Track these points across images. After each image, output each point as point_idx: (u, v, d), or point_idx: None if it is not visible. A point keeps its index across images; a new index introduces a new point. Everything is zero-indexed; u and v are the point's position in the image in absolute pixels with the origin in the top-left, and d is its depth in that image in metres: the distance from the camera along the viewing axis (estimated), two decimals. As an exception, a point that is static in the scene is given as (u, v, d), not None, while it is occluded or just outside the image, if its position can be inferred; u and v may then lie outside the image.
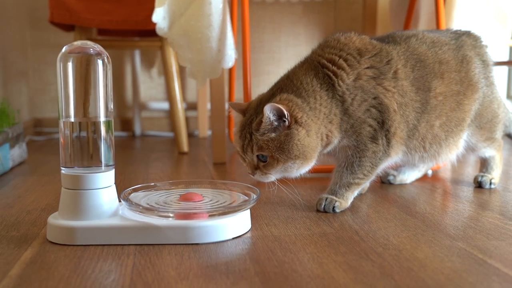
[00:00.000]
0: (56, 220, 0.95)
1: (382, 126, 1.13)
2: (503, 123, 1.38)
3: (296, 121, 1.06)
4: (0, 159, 1.54)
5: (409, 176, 1.45)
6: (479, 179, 1.38)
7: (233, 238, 0.96)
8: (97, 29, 2.34)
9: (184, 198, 1.04)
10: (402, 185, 1.42)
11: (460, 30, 1.35)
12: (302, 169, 1.09)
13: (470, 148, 1.34)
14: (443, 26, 1.63)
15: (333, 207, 1.13)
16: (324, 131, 1.10)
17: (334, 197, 1.14)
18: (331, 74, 1.11)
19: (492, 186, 1.37)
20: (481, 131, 1.31)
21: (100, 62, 0.96)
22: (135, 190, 1.09)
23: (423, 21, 1.97)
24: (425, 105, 1.18)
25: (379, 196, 1.29)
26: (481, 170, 1.41)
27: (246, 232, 0.99)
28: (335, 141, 1.13)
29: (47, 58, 2.63)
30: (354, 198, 1.19)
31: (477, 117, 1.29)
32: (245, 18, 1.62)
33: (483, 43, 1.34)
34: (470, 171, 1.62)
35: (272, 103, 1.03)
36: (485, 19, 1.74)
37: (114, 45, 2.23)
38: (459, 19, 1.67)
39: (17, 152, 1.72)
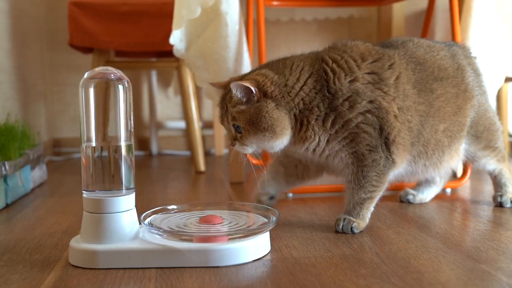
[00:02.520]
0: (78, 243, 0.96)
1: (381, 133, 1.12)
2: (501, 131, 1.36)
3: (265, 95, 1.09)
4: (22, 181, 1.57)
5: (428, 194, 1.44)
6: (499, 199, 1.35)
7: (253, 261, 0.96)
8: (115, 50, 2.37)
9: (204, 220, 1.04)
10: (421, 204, 1.41)
11: (449, 42, 1.37)
12: (273, 143, 1.10)
13: (470, 158, 1.32)
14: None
15: (351, 228, 1.13)
16: (299, 115, 1.10)
17: (352, 218, 1.14)
18: (329, 70, 1.12)
19: None
20: (478, 140, 1.30)
21: (121, 87, 0.98)
22: (155, 213, 1.09)
23: (439, 38, 1.97)
24: (429, 107, 1.18)
25: (398, 216, 1.29)
26: (496, 190, 1.38)
27: (266, 254, 0.99)
28: (317, 138, 1.12)
29: (65, 80, 2.67)
30: (374, 219, 1.18)
31: (474, 125, 1.28)
32: (261, 38, 1.63)
33: (472, 54, 1.36)
34: (490, 189, 1.60)
35: (237, 82, 1.07)
36: (502, 36, 1.74)
37: (132, 66, 2.26)
38: (475, 36, 1.67)
39: (38, 174, 1.74)
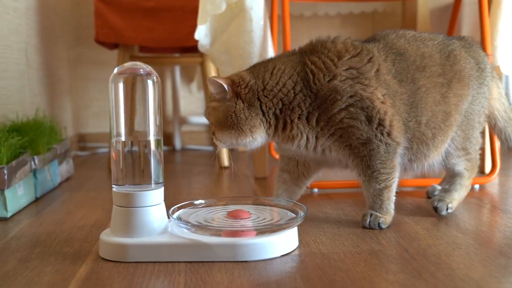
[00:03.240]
0: (108, 237, 0.98)
1: (370, 124, 1.11)
2: (478, 141, 1.27)
3: (238, 96, 1.12)
4: (50, 175, 1.59)
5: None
6: (435, 204, 1.23)
7: (282, 256, 0.96)
8: (139, 46, 2.39)
9: (232, 215, 1.05)
10: (449, 200, 1.40)
11: (455, 36, 1.32)
12: (241, 140, 1.13)
13: (445, 155, 1.24)
14: (488, 38, 1.60)
15: (379, 224, 1.12)
16: (280, 115, 1.13)
17: (378, 213, 1.13)
18: (309, 72, 1.13)
19: (449, 211, 1.22)
20: (460, 135, 1.23)
21: (150, 82, 0.98)
22: (183, 207, 1.10)
23: (466, 32, 1.93)
24: (412, 96, 1.15)
25: (426, 212, 1.27)
26: (443, 187, 1.29)
27: (294, 250, 0.99)
28: (304, 136, 1.14)
29: (90, 75, 2.70)
30: (402, 214, 1.17)
31: (465, 119, 1.23)
32: (286, 34, 1.63)
33: (480, 48, 1.30)
34: (519, 185, 1.58)
35: (213, 78, 1.11)
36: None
37: (156, 61, 2.28)
38: (505, 30, 1.63)
39: (65, 168, 1.77)
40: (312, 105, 1.12)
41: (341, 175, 1.41)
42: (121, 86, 0.98)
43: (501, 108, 1.32)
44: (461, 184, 1.27)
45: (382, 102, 1.11)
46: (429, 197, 1.42)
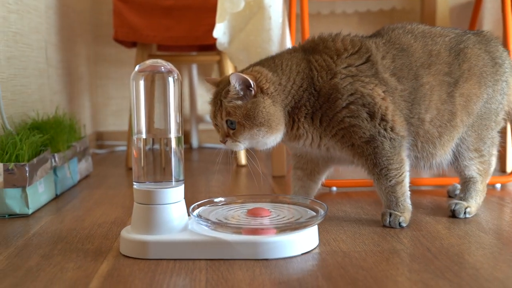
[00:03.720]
0: (129, 234, 0.98)
1: (373, 120, 1.10)
2: (494, 141, 1.23)
3: (262, 91, 1.10)
4: (70, 173, 1.60)
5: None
6: (453, 207, 1.20)
7: (302, 254, 0.95)
8: (157, 44, 2.40)
9: (252, 213, 1.04)
10: (470, 199, 1.38)
11: (473, 30, 1.28)
12: (267, 138, 1.11)
13: (455, 156, 1.21)
14: (511, 34, 1.57)
15: (399, 223, 1.11)
16: (291, 113, 1.12)
17: (397, 212, 1.12)
18: (313, 69, 1.13)
19: (467, 215, 1.18)
20: (473, 136, 1.20)
21: (171, 79, 0.98)
22: (203, 205, 1.10)
23: (488, 29, 1.91)
24: (414, 93, 1.13)
25: (446, 211, 1.25)
26: (458, 196, 1.28)
27: (315, 248, 0.99)
28: (310, 136, 1.14)
29: (108, 73, 2.72)
30: (423, 213, 1.16)
31: (477, 119, 1.20)
32: (304, 32, 1.62)
33: (498, 43, 1.25)
34: (542, 185, 1.55)
35: (237, 73, 1.08)
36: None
37: (174, 60, 2.28)
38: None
39: (84, 166, 1.78)
40: (316, 104, 1.12)
41: (359, 174, 1.39)
42: (142, 83, 0.98)
43: None
44: (476, 190, 1.22)
45: (383, 99, 1.10)
46: (450, 196, 1.41)
